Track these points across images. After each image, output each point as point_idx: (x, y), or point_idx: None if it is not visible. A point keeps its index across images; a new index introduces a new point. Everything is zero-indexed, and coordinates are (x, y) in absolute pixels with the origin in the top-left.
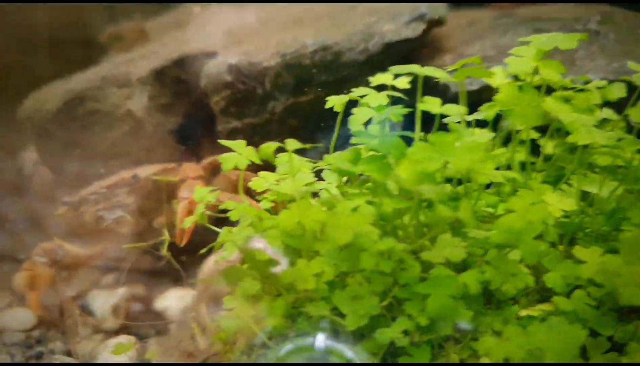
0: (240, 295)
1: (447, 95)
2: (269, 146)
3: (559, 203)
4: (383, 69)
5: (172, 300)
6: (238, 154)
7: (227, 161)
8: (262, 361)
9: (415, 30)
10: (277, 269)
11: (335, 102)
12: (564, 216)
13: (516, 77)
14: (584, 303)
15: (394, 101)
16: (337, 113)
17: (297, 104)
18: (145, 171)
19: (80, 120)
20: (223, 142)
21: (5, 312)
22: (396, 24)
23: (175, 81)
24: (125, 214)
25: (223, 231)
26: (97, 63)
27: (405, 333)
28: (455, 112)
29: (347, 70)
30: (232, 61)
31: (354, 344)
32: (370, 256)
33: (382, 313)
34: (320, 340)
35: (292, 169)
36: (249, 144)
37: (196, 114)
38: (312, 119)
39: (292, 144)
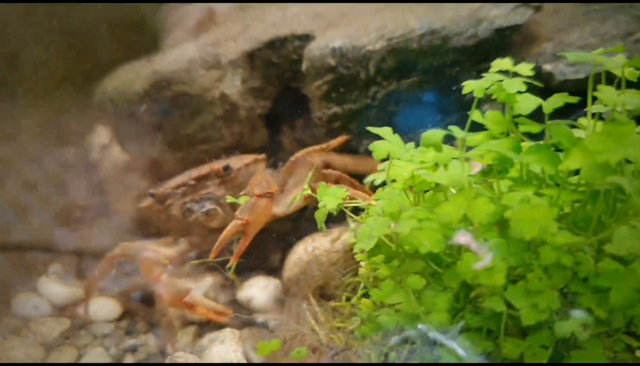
0: (404, 290)
1: (550, 83)
2: (435, 134)
3: None
4: (487, 58)
5: (256, 290)
6: (389, 142)
7: (378, 149)
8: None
9: (523, 15)
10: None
11: (474, 87)
12: None
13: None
14: None
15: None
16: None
17: (399, 89)
18: (237, 162)
19: (166, 103)
20: (372, 129)
21: (90, 302)
22: (503, 10)
23: (267, 63)
24: (215, 207)
25: (354, 222)
26: (180, 46)
27: (584, 327)
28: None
29: (453, 55)
30: (336, 45)
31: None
32: (551, 250)
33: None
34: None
35: (444, 158)
36: (346, 131)
37: (287, 99)
38: (411, 105)
39: (458, 132)
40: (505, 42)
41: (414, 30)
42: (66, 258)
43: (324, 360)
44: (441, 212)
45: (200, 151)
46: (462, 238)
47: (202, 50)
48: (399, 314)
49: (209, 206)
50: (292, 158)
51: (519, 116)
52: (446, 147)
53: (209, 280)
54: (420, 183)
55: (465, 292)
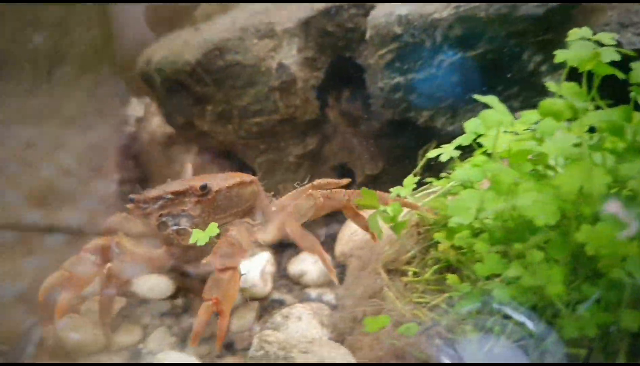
0: (519, 263)
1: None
2: (555, 103)
3: None
4: (550, 28)
5: (308, 264)
6: (497, 111)
7: (488, 118)
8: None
9: None
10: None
11: (565, 57)
12: None
13: None
14: None
15: None
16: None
17: (464, 59)
18: (220, 182)
19: (219, 73)
20: (478, 97)
21: (143, 280)
22: None
23: (322, 32)
24: (186, 228)
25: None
26: (228, 14)
27: None
28: None
29: (520, 25)
30: (402, 12)
31: None
32: None
33: None
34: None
35: (549, 126)
36: (406, 102)
37: (340, 70)
38: (475, 75)
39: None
40: (570, 11)
41: None
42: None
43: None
44: (557, 184)
45: (253, 123)
46: (612, 206)
47: (253, 18)
48: (510, 287)
49: (182, 224)
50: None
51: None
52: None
53: (267, 254)
54: (516, 154)
55: (581, 264)
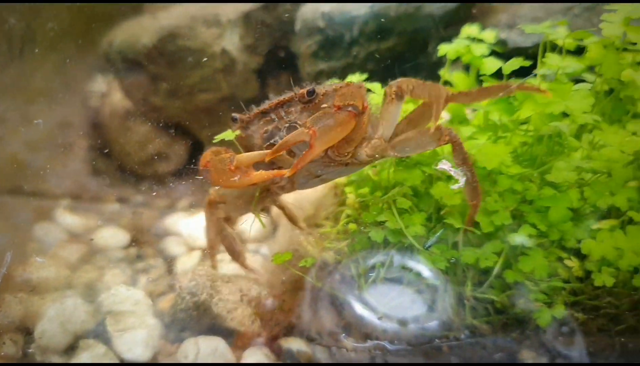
0: (390, 211)
1: (504, 49)
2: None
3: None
4: (450, 25)
5: (247, 224)
6: (377, 95)
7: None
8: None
9: None
10: None
11: (447, 50)
12: None
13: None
14: None
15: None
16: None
17: (377, 50)
18: (325, 86)
19: (171, 56)
20: (367, 85)
21: (102, 230)
22: None
23: (261, 23)
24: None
25: None
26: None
27: (530, 236)
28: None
29: (424, 22)
30: (326, 9)
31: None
32: (506, 179)
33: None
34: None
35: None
36: None
37: (277, 56)
38: (387, 64)
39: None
40: (469, 11)
41: None
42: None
43: (321, 274)
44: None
45: (200, 100)
46: (443, 165)
47: (202, 9)
48: (385, 230)
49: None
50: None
51: (483, 75)
52: None
53: None
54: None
55: (437, 213)
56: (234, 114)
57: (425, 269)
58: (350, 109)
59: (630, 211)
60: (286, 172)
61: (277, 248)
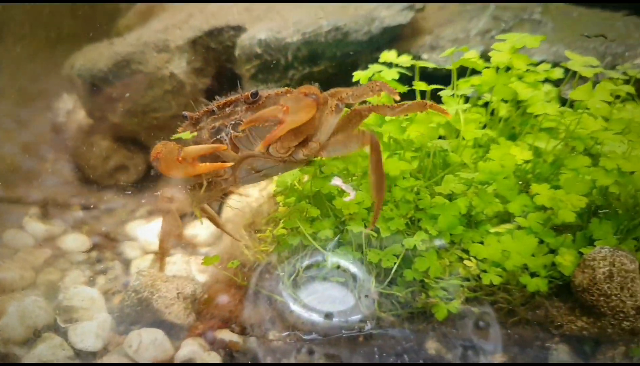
0: (302, 218)
1: (427, 69)
2: None
3: (520, 154)
4: (380, 47)
5: (199, 228)
6: None
7: None
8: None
9: (406, 17)
10: None
11: (360, 76)
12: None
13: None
14: (535, 221)
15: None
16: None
17: (311, 73)
18: (269, 91)
19: (125, 79)
20: None
21: (66, 236)
22: (391, 11)
23: (207, 49)
24: (239, 134)
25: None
26: (124, 31)
27: (422, 241)
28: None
29: (353, 47)
30: (262, 37)
31: (383, 249)
32: (400, 190)
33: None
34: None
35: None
36: None
37: (223, 78)
38: (322, 85)
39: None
40: (395, 35)
41: (323, 26)
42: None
43: (253, 272)
44: (332, 165)
45: (153, 118)
46: (336, 181)
47: (153, 35)
48: (301, 235)
49: (233, 132)
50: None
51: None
52: None
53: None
54: None
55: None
56: (184, 112)
57: (339, 268)
58: (314, 96)
59: (518, 218)
60: (229, 164)
61: (221, 250)
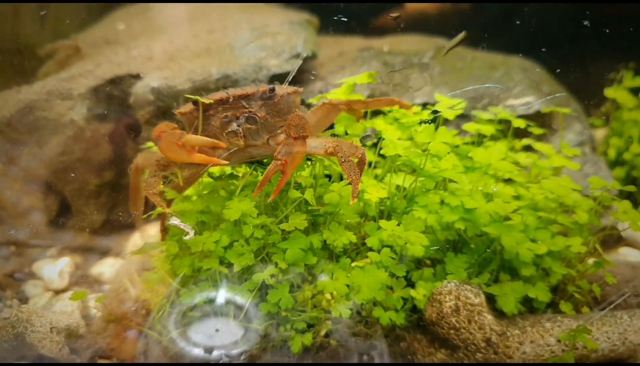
0: (164, 256)
1: None
2: None
3: (377, 192)
4: None
5: (106, 267)
6: None
7: None
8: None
9: (292, 65)
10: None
11: None
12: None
13: None
14: (387, 256)
15: None
16: None
17: None
18: (281, 89)
19: (30, 125)
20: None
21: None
22: (279, 60)
23: (108, 95)
24: (251, 126)
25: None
26: (42, 78)
27: (273, 275)
28: None
29: None
30: (155, 85)
31: (240, 284)
32: (249, 228)
33: (258, 263)
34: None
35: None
36: None
37: (125, 122)
38: None
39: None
40: (303, 77)
41: (213, 74)
42: None
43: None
44: (194, 204)
45: (58, 161)
46: (174, 221)
47: (58, 84)
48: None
49: (247, 124)
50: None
51: None
52: None
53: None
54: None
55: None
56: (193, 99)
57: (208, 303)
58: (303, 139)
59: (370, 252)
60: (224, 162)
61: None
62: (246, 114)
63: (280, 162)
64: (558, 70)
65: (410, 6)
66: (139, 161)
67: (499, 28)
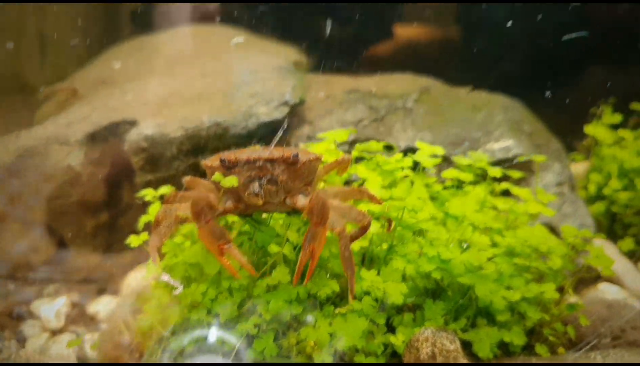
0: (155, 304)
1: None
2: None
3: (359, 241)
4: (261, 139)
5: (102, 305)
6: None
7: None
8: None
9: (281, 112)
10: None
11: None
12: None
13: None
14: (368, 304)
15: None
16: None
17: (195, 163)
18: (304, 155)
19: (29, 170)
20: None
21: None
22: (268, 108)
23: (104, 141)
24: (271, 187)
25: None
26: (40, 121)
27: (256, 325)
28: None
29: (233, 140)
30: (149, 132)
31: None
32: (228, 281)
33: (242, 313)
34: None
35: None
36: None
37: (119, 167)
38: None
39: None
40: (275, 128)
41: (204, 122)
42: None
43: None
44: (186, 257)
45: (56, 204)
46: (164, 277)
47: (56, 130)
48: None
49: (268, 185)
50: None
51: None
52: None
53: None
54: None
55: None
56: (222, 157)
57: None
58: (323, 223)
59: (353, 301)
60: (250, 268)
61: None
62: (269, 177)
63: (308, 250)
64: (540, 106)
65: (401, 32)
66: (159, 216)
67: (485, 63)
